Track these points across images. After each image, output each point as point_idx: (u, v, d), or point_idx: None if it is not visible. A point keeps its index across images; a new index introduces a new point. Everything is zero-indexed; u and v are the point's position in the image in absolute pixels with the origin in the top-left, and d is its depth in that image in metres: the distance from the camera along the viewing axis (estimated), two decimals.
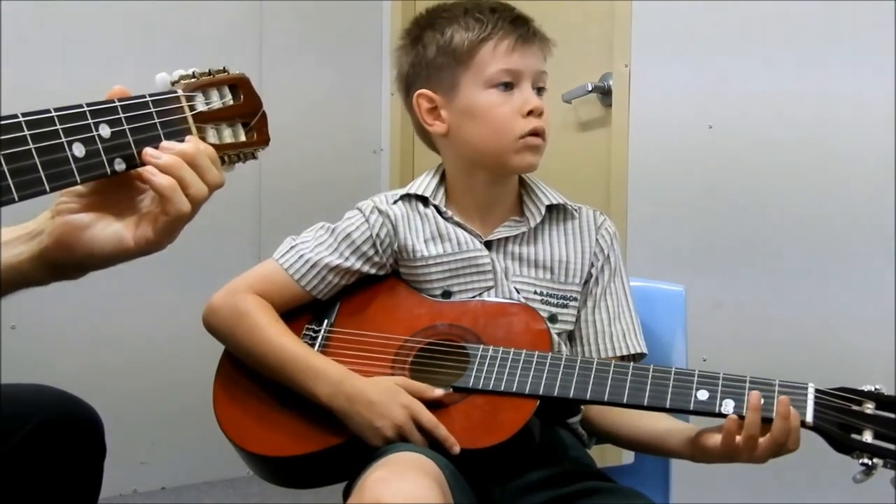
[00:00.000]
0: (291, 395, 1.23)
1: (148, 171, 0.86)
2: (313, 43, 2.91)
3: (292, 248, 1.32)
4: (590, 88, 2.33)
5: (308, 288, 1.30)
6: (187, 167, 0.88)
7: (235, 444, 1.25)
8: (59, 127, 0.79)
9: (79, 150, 0.80)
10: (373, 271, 1.32)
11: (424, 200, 1.34)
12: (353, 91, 3.00)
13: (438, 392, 1.17)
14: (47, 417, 1.14)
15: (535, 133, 1.27)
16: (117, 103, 0.85)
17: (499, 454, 1.13)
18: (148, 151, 0.87)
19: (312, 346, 1.27)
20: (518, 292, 1.29)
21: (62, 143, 0.79)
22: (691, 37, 2.12)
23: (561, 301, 1.31)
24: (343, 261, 1.30)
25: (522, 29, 1.29)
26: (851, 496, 1.73)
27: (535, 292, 1.30)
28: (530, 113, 1.27)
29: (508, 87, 1.27)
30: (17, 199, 0.74)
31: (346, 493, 1.16)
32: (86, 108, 0.82)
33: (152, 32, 2.58)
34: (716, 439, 1.11)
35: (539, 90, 1.31)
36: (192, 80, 0.95)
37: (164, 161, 0.87)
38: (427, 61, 1.30)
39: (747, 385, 1.10)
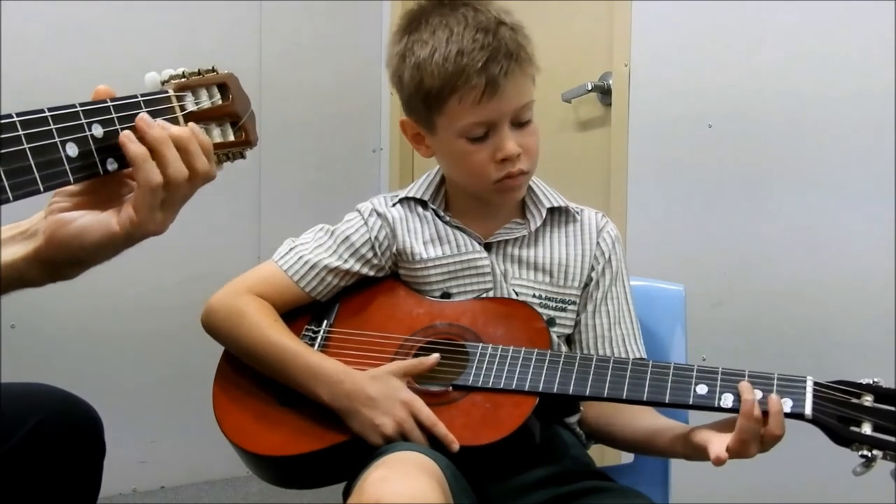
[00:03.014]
0: (291, 396, 1.23)
1: (126, 136, 0.86)
2: (313, 42, 2.92)
3: (291, 249, 1.32)
4: (589, 88, 2.33)
5: (307, 289, 1.31)
6: (172, 146, 0.88)
7: (236, 445, 1.25)
8: (52, 127, 0.79)
9: (72, 150, 0.81)
10: (371, 273, 1.33)
11: (423, 203, 1.34)
12: (352, 90, 3.00)
13: (434, 357, 1.18)
14: (47, 416, 1.15)
15: (511, 177, 1.25)
16: (109, 103, 0.85)
17: (499, 451, 1.13)
18: (143, 117, 0.87)
19: (312, 346, 1.27)
20: (517, 295, 1.29)
21: (56, 143, 0.79)
22: (691, 36, 2.12)
23: (559, 305, 1.31)
24: (342, 263, 1.31)
25: (491, 73, 1.18)
26: (852, 496, 1.73)
27: (534, 295, 1.30)
28: (505, 160, 1.23)
29: (483, 136, 1.23)
30: (11, 198, 0.75)
31: (346, 493, 1.16)
32: (79, 108, 0.82)
33: (152, 32, 2.58)
34: (705, 436, 1.11)
35: (522, 123, 1.24)
36: (182, 79, 0.95)
37: (152, 132, 0.87)
38: (406, 95, 1.26)
39: (746, 379, 1.10)
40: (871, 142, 1.79)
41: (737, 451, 1.08)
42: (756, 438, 1.07)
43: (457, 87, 1.19)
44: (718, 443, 1.08)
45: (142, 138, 0.87)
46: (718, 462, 1.07)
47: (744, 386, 1.08)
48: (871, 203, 1.79)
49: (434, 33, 1.22)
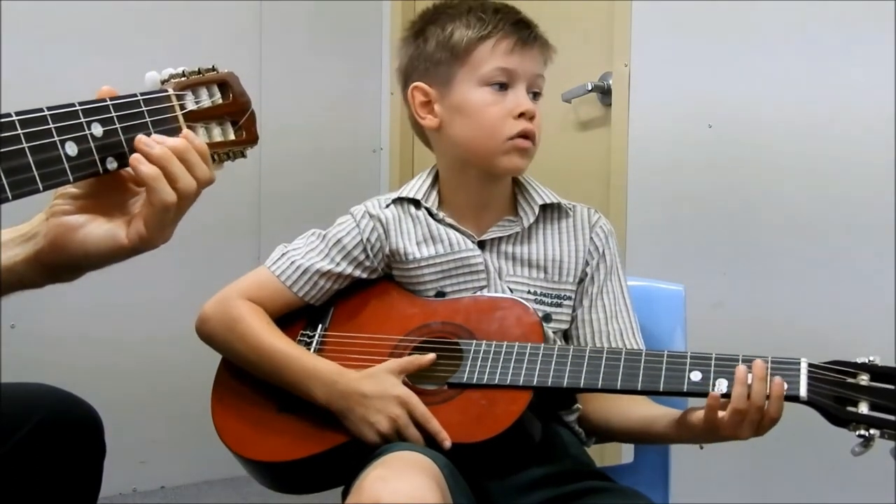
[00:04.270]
0: (289, 401, 1.24)
1: (136, 160, 0.87)
2: (313, 42, 2.91)
3: (283, 254, 1.33)
4: (589, 88, 2.34)
5: (300, 294, 1.31)
6: (176, 160, 0.88)
7: (235, 452, 1.26)
8: (52, 126, 0.79)
9: (71, 149, 0.81)
10: (364, 275, 1.33)
11: (416, 203, 1.34)
12: (352, 90, 3.00)
13: (430, 356, 1.19)
14: (47, 417, 1.15)
15: (524, 135, 1.27)
16: (109, 102, 0.86)
17: (497, 448, 1.13)
18: (141, 139, 0.88)
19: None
20: (512, 292, 1.29)
21: (55, 142, 0.79)
22: (691, 36, 2.12)
23: (555, 300, 1.31)
24: (334, 266, 1.31)
25: (523, 32, 1.29)
26: (852, 496, 1.73)
27: (529, 292, 1.30)
28: (521, 115, 1.27)
29: (503, 87, 1.27)
30: (10, 198, 0.75)
31: (345, 493, 1.16)
32: (78, 108, 0.82)
33: (152, 33, 2.58)
34: (699, 415, 1.11)
35: (535, 95, 1.30)
36: (182, 78, 0.95)
37: (154, 151, 0.88)
38: (426, 55, 1.31)
39: (740, 364, 1.09)
40: (871, 140, 1.79)
41: (732, 424, 1.08)
42: (749, 419, 1.07)
43: (491, 34, 1.27)
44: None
45: (147, 160, 0.87)
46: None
47: (740, 372, 1.08)
48: (871, 199, 1.80)
49: (458, 7, 1.32)
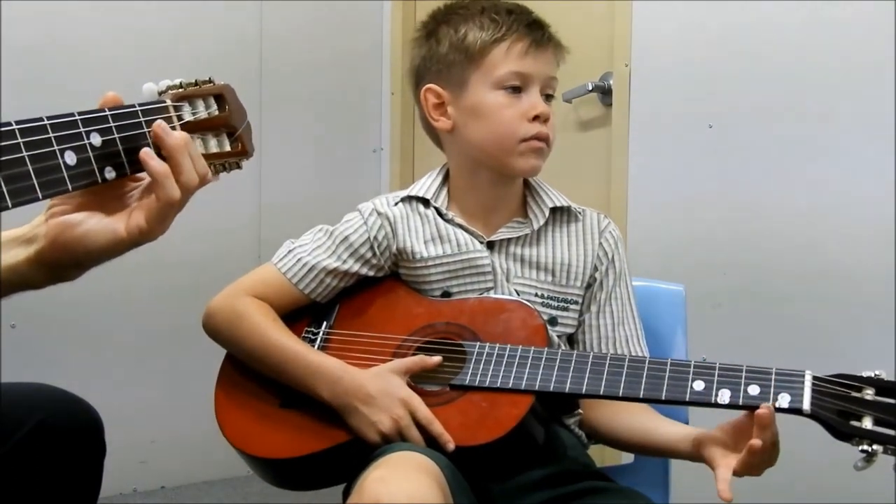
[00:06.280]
0: (292, 398, 1.24)
1: (146, 153, 0.88)
2: (314, 42, 2.91)
3: (290, 251, 1.33)
4: (590, 88, 2.34)
5: (306, 291, 1.31)
6: (187, 155, 0.90)
7: (238, 448, 1.26)
8: (51, 135, 0.80)
9: (70, 158, 0.81)
10: (370, 273, 1.33)
11: (425, 202, 1.34)
12: (353, 90, 3.00)
13: (437, 358, 1.19)
14: (47, 417, 1.15)
15: (539, 138, 1.27)
16: (108, 112, 0.86)
17: (498, 451, 1.13)
18: (161, 125, 0.89)
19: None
20: (518, 294, 1.29)
21: (54, 150, 0.80)
22: (691, 36, 2.12)
23: (561, 304, 1.31)
24: (341, 264, 1.31)
25: (537, 34, 1.29)
26: (852, 495, 1.73)
27: (536, 294, 1.30)
28: (536, 118, 1.27)
29: (517, 90, 1.27)
30: (10, 205, 0.75)
31: (346, 493, 1.17)
32: (77, 117, 0.83)
33: (152, 33, 2.58)
34: (711, 452, 1.11)
35: (547, 97, 1.30)
36: (179, 90, 0.96)
37: (169, 140, 0.89)
38: (439, 57, 1.30)
39: (743, 374, 1.09)
40: (872, 138, 1.79)
41: (742, 468, 1.08)
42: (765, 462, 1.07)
43: (505, 37, 1.27)
44: (725, 468, 1.09)
45: (160, 146, 0.88)
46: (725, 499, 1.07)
47: (763, 418, 1.05)
48: (871, 198, 1.80)
49: (471, 8, 1.31)
